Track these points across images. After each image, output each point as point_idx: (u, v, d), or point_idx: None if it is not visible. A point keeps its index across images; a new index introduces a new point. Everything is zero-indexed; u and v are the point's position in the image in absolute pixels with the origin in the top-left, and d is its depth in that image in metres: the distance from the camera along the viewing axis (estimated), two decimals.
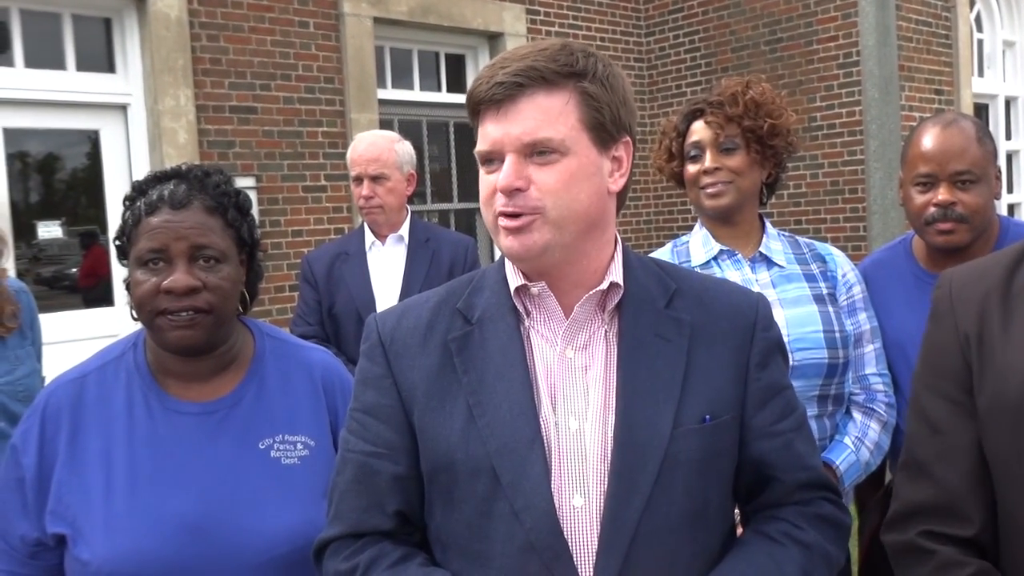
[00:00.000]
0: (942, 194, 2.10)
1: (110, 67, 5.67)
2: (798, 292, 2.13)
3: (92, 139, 5.63)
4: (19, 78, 5.28)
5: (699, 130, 2.18)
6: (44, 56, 5.43)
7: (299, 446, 1.58)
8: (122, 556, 1.44)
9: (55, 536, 1.49)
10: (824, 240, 7.23)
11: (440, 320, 1.34)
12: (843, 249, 2.31)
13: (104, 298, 5.63)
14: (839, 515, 1.37)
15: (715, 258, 2.18)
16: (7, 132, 5.25)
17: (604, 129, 1.26)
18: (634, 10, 8.39)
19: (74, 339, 4.78)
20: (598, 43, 8.05)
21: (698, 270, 2.07)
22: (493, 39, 7.35)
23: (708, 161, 2.14)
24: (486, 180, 1.27)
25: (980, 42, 8.66)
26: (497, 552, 1.22)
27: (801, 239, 2.29)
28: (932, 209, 2.12)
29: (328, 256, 3.33)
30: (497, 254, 7.88)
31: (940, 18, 7.71)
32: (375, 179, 3.21)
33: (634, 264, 1.36)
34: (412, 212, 3.43)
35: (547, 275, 1.29)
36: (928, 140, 2.14)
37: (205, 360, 1.56)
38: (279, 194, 6.00)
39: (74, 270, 5.68)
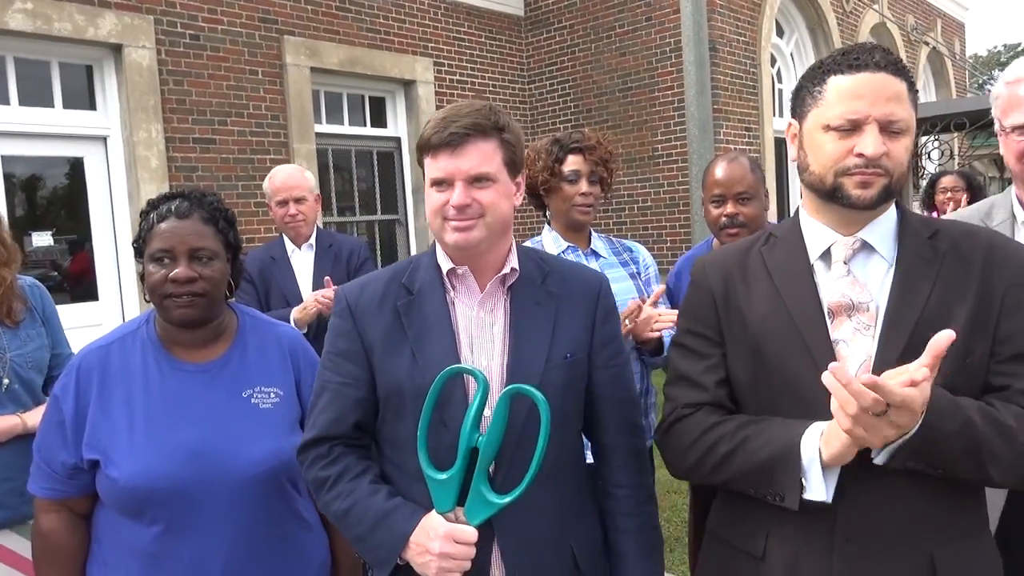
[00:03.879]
0: (729, 208, 2.31)
1: (92, 105, 5.58)
2: (618, 273, 2.36)
3: (77, 165, 5.52)
4: (14, 114, 5.18)
5: (578, 162, 2.34)
6: (36, 95, 5.33)
7: (272, 395, 1.65)
8: (142, 474, 1.51)
9: (90, 461, 1.55)
10: (663, 240, 7.64)
11: (391, 291, 1.48)
12: (674, 247, 2.58)
13: (89, 294, 5.54)
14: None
15: (563, 252, 2.35)
16: (4, 159, 5.13)
17: (514, 166, 1.43)
18: (519, 63, 8.53)
19: (64, 328, 4.70)
20: (490, 89, 8.16)
21: None
22: (408, 85, 7.42)
23: (585, 187, 2.33)
24: (436, 196, 1.40)
25: (780, 91, 9.07)
26: (432, 448, 1.37)
27: (613, 238, 2.52)
28: (723, 219, 2.32)
29: (257, 260, 3.29)
30: (402, 255, 7.81)
31: (749, 73, 8.05)
32: (297, 201, 3.26)
33: (521, 254, 1.51)
34: (318, 225, 3.45)
35: (470, 261, 1.45)
36: (719, 171, 2.35)
37: (201, 331, 1.63)
38: (234, 209, 5.94)
39: (59, 272, 5.56)
